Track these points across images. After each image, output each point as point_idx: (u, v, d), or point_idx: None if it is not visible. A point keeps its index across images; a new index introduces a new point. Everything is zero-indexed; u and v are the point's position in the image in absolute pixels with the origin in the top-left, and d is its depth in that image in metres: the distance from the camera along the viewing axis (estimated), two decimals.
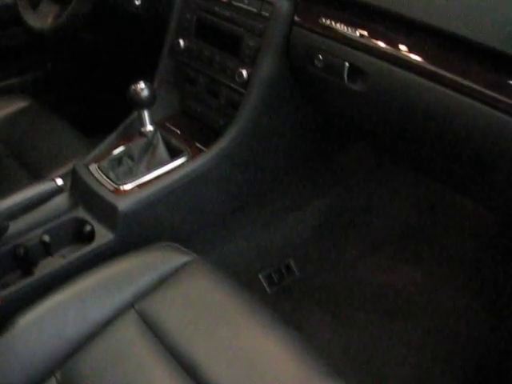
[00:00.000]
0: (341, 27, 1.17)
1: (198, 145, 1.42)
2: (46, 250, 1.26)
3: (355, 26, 1.14)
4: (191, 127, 1.50)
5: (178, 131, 1.48)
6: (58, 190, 1.26)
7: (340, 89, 1.21)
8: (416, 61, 1.05)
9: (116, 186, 1.30)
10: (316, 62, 1.21)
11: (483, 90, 0.94)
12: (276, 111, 1.36)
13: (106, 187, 1.31)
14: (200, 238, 1.42)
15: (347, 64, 1.16)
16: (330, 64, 1.19)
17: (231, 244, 1.53)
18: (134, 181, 1.31)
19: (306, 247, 1.67)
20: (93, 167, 1.37)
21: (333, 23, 1.18)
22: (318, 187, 1.66)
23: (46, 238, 1.26)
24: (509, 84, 0.92)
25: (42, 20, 1.62)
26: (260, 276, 1.60)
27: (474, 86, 0.95)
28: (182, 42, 1.47)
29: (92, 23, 1.56)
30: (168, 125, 1.51)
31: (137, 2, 1.60)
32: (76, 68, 2.10)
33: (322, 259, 1.69)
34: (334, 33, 1.17)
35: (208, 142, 1.41)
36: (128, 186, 1.30)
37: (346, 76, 1.17)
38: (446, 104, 1.01)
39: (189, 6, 1.45)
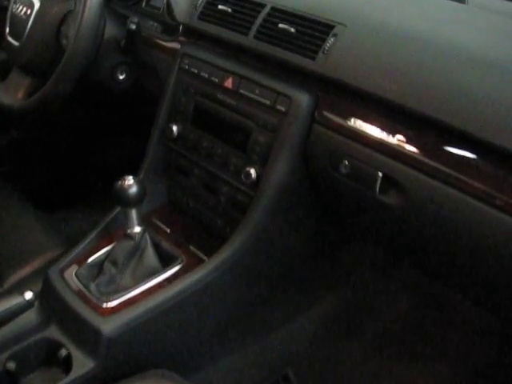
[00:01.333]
0: (373, 130, 1.00)
1: (193, 249, 1.23)
2: (11, 380, 1.05)
3: (391, 130, 0.98)
4: (183, 225, 1.31)
5: (168, 230, 1.29)
6: (27, 306, 1.05)
7: (368, 200, 1.04)
8: (462, 177, 0.89)
9: (98, 302, 1.09)
10: (341, 167, 1.05)
11: None
12: (287, 216, 1.19)
13: (85, 303, 1.09)
14: (196, 357, 1.21)
15: (380, 174, 0.99)
16: (359, 172, 1.03)
17: (227, 358, 1.33)
18: (119, 297, 1.10)
19: (305, 356, 1.48)
20: (68, 274, 1.16)
21: (363, 124, 1.02)
22: (318, 292, 1.48)
23: (11, 365, 1.05)
24: None
25: (10, 94, 1.41)
26: None
27: None
28: (175, 128, 1.29)
29: (68, 102, 1.35)
30: (155, 221, 1.32)
31: (120, 77, 1.42)
32: (44, 139, 1.88)
33: (322, 368, 1.51)
34: (365, 136, 1.01)
35: (204, 245, 1.23)
36: (113, 303, 1.10)
37: (378, 188, 0.99)
38: (488, 222, 0.88)
39: (185, 88, 1.27)
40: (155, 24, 1.43)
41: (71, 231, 1.61)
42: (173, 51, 1.35)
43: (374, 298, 1.63)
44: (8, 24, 1.41)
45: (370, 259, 1.56)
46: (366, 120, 1.02)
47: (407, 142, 0.97)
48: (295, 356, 1.49)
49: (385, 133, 1.00)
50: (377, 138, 1.00)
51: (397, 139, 0.98)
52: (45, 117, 1.68)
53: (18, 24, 1.37)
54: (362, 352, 1.59)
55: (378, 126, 1.00)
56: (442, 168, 0.92)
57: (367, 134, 1.01)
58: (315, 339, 1.52)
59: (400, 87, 0.98)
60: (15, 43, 1.38)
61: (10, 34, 1.40)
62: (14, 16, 1.38)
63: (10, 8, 1.41)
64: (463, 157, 0.91)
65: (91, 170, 1.94)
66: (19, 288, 1.22)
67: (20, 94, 1.39)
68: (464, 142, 0.89)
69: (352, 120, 1.04)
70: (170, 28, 1.40)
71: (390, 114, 0.99)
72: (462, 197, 0.90)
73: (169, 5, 1.43)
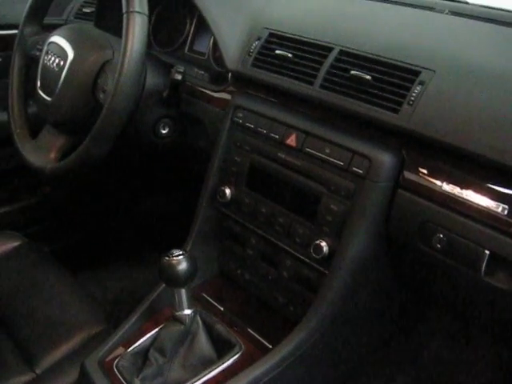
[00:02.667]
0: (475, 197, 0.81)
1: (252, 332, 1.05)
2: None
3: (499, 197, 0.79)
4: (238, 302, 1.14)
5: (221, 308, 1.10)
6: None
7: (470, 281, 0.85)
8: None
9: None
10: (434, 241, 0.86)
11: None
12: (365, 295, 0.99)
13: None
14: None
15: (487, 252, 0.79)
16: (458, 248, 0.84)
17: None
18: None
19: None
20: (109, 366, 1.00)
21: (462, 190, 0.83)
22: (390, 374, 1.27)
23: None
24: None
25: (42, 155, 1.26)
26: None
27: None
28: (228, 191, 1.11)
29: (105, 161, 1.19)
30: (206, 296, 1.15)
31: (163, 132, 1.26)
32: (79, 196, 1.74)
33: None
34: (465, 204, 0.83)
35: (265, 328, 1.05)
36: None
37: (483, 268, 0.80)
38: None
39: (239, 146, 1.10)
40: (200, 71, 1.27)
41: (111, 297, 1.45)
42: (222, 102, 1.19)
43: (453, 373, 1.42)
44: (39, 77, 1.27)
45: (448, 332, 1.35)
46: (464, 185, 0.84)
47: None
48: None
49: (491, 201, 0.81)
50: (480, 206, 0.81)
51: (507, 209, 0.79)
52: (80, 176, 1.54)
53: (50, 77, 1.22)
54: None
55: (481, 193, 0.82)
56: None
57: (467, 201, 0.83)
58: None
59: (508, 145, 0.79)
60: (47, 99, 1.23)
61: (42, 88, 1.26)
62: (46, 68, 1.24)
63: (41, 60, 1.26)
64: None
65: (131, 228, 1.78)
66: (54, 375, 1.11)
67: (52, 155, 1.24)
68: None
69: (447, 184, 0.85)
70: (218, 76, 1.24)
71: (497, 178, 0.81)
72: None
73: (215, 50, 1.27)
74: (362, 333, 1.08)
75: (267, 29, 1.14)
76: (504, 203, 0.80)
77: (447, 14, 1.15)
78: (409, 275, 1.02)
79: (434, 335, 1.34)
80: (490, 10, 1.17)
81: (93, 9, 1.59)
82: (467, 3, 1.37)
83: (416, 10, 1.18)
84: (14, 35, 1.44)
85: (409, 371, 1.35)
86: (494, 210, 0.81)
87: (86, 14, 1.67)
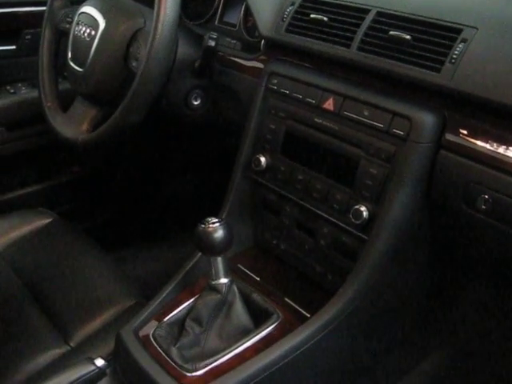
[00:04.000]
0: None
1: (289, 302, 1.03)
2: None
3: None
4: (274, 272, 1.12)
5: (258, 278, 1.09)
6: (100, 375, 0.92)
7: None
8: None
9: (182, 370, 0.91)
10: (478, 202, 0.84)
11: None
12: (405, 262, 0.97)
13: (167, 372, 0.91)
14: None
15: None
16: (504, 208, 0.82)
17: None
18: (207, 364, 0.91)
19: None
20: (145, 336, 0.98)
21: (507, 148, 0.79)
22: (432, 342, 1.24)
23: None
24: None
25: (74, 127, 1.26)
26: None
27: None
28: (263, 160, 1.10)
29: (137, 133, 1.18)
30: (242, 267, 1.13)
31: (195, 103, 1.24)
32: (110, 174, 1.73)
33: None
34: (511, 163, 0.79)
35: (303, 297, 1.04)
36: (199, 372, 0.91)
37: None
38: None
39: (274, 113, 1.08)
40: (233, 41, 1.25)
41: (143, 274, 1.44)
42: (256, 71, 1.17)
43: (492, 346, 1.39)
44: (70, 49, 1.26)
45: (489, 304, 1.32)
46: (509, 143, 0.80)
47: None
48: None
49: None
50: None
51: None
52: (111, 150, 1.53)
53: (81, 48, 1.21)
54: None
55: None
56: None
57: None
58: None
59: None
60: (79, 70, 1.22)
61: (73, 59, 1.24)
62: (77, 39, 1.23)
63: (71, 31, 1.26)
64: None
65: (162, 206, 1.77)
66: (89, 347, 1.09)
67: (84, 126, 1.23)
68: None
69: (491, 144, 0.83)
70: (250, 46, 1.22)
71: None
72: None
73: (247, 20, 1.25)
74: (402, 301, 1.05)
75: None
76: None
77: None
78: (451, 243, 0.99)
79: (474, 308, 1.31)
80: None
81: None
82: None
83: None
84: (42, 12, 1.43)
85: (446, 346, 1.33)
86: None
87: None
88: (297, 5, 1.11)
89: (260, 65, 1.18)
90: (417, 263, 1.02)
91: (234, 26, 1.33)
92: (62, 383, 0.88)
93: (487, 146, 0.83)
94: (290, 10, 1.11)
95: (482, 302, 1.32)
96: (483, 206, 0.84)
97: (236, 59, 1.23)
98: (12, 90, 1.70)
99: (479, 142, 0.84)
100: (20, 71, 1.70)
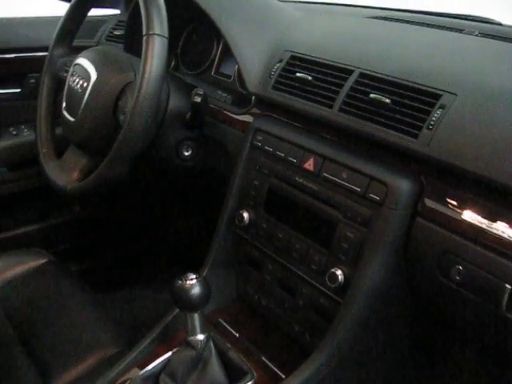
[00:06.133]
0: (498, 228, 0.77)
1: (266, 360, 1.02)
2: None
3: None
4: (253, 328, 1.11)
5: (237, 333, 1.08)
6: None
7: (489, 315, 0.81)
8: None
9: None
10: (452, 273, 0.83)
11: None
12: (381, 327, 0.96)
13: None
14: None
15: (510, 287, 0.75)
16: (478, 281, 0.80)
17: None
18: None
19: None
20: None
21: (483, 220, 0.79)
22: None
23: None
24: None
25: (65, 175, 1.27)
26: None
27: None
28: (246, 215, 1.09)
29: (128, 182, 1.19)
30: (223, 322, 1.13)
31: (185, 154, 1.25)
32: (107, 215, 1.75)
33: None
34: (486, 235, 0.78)
35: (280, 357, 1.02)
36: None
37: (505, 303, 0.76)
38: None
39: (258, 169, 1.08)
40: (224, 94, 1.26)
41: (131, 318, 1.48)
42: (244, 125, 1.18)
43: None
44: (65, 98, 1.28)
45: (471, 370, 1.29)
46: (487, 214, 0.79)
47: None
48: None
49: None
50: (503, 238, 0.77)
51: None
52: (104, 197, 1.55)
53: (74, 98, 1.23)
54: None
55: (504, 224, 0.78)
56: None
57: (489, 232, 0.79)
58: None
59: None
60: (71, 119, 1.24)
61: (66, 109, 1.27)
62: (71, 90, 1.25)
63: (67, 81, 1.28)
64: None
65: (151, 251, 1.78)
66: None
67: (75, 175, 1.24)
68: None
69: (468, 213, 0.82)
70: (242, 99, 1.23)
71: None
72: None
73: (241, 73, 1.27)
74: (377, 366, 1.03)
75: (289, 51, 1.13)
76: None
77: (477, 35, 1.12)
78: (428, 308, 0.97)
79: (457, 372, 1.29)
80: None
81: (123, 31, 1.61)
82: (500, 24, 1.34)
83: (444, 31, 1.15)
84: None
85: None
86: None
87: (117, 36, 1.69)
88: (284, 62, 1.12)
89: (250, 118, 1.19)
90: (395, 331, 1.00)
91: (229, 77, 1.34)
92: None
93: (464, 215, 0.82)
94: (278, 68, 1.12)
95: (469, 363, 1.29)
96: (457, 277, 0.83)
97: (226, 112, 1.24)
98: (14, 132, 1.74)
99: (456, 211, 0.83)
100: (23, 113, 1.75)
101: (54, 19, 1.56)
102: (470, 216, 0.82)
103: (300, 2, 1.67)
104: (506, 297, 0.77)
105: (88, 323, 1.29)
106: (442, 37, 1.11)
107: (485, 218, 0.80)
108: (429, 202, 0.86)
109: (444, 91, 0.87)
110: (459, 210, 0.83)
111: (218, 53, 1.38)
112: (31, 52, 1.73)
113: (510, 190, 0.77)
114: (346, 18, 1.32)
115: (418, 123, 0.88)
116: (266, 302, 1.13)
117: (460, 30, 1.15)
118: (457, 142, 0.84)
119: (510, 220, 0.77)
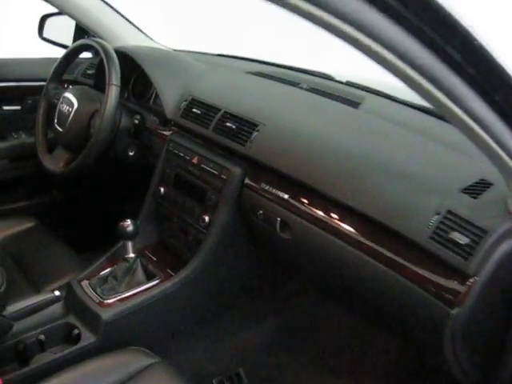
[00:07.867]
0: (275, 191, 1.59)
1: (169, 271, 1.80)
2: (41, 347, 1.51)
3: (286, 191, 1.57)
4: (165, 256, 1.89)
5: (155, 258, 1.87)
6: (55, 300, 1.65)
7: (274, 235, 1.62)
8: (329, 223, 1.46)
9: (101, 299, 1.67)
10: (258, 214, 1.64)
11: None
12: (231, 247, 1.76)
13: (93, 300, 1.67)
14: (167, 345, 1.76)
15: (279, 219, 1.58)
16: (267, 217, 1.61)
17: (192, 351, 1.86)
18: (115, 296, 1.69)
19: (256, 359, 1.96)
20: (84, 283, 1.74)
21: (270, 188, 1.61)
22: (270, 309, 2.01)
23: (42, 337, 1.52)
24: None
25: (55, 163, 2.05)
26: (214, 381, 1.82)
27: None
28: (162, 189, 1.90)
29: (94, 170, 2.00)
30: (147, 253, 1.90)
31: (130, 153, 2.06)
32: (77, 197, 2.54)
33: (269, 370, 1.96)
34: (271, 195, 1.60)
35: (177, 269, 1.79)
36: (111, 300, 1.67)
37: (278, 227, 1.59)
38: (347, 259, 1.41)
39: (170, 163, 1.90)
40: (154, 118, 2.08)
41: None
42: (164, 138, 1.98)
43: (317, 318, 2.11)
44: (56, 117, 2.05)
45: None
46: (273, 186, 1.61)
47: (295, 200, 1.56)
48: (248, 358, 1.98)
49: (284, 194, 1.59)
50: (279, 196, 1.60)
51: (287, 197, 1.57)
52: (78, 180, 2.34)
53: (62, 117, 2.01)
54: (304, 361, 2.03)
55: (278, 190, 1.60)
56: (315, 215, 1.48)
57: (272, 193, 1.60)
58: (267, 346, 2.01)
59: (298, 165, 1.56)
60: (60, 130, 2.02)
61: (57, 123, 2.03)
62: (60, 112, 2.03)
63: (58, 106, 2.08)
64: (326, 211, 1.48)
65: (109, 219, 2.54)
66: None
67: (61, 164, 2.02)
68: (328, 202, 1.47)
69: (264, 185, 1.63)
70: (165, 122, 2.05)
71: (289, 183, 1.58)
72: (324, 234, 1.47)
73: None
74: (233, 274, 1.82)
75: (191, 95, 1.95)
76: (286, 194, 1.59)
77: (306, 89, 1.92)
78: (255, 237, 1.79)
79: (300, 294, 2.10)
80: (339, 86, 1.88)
81: (94, 71, 2.42)
82: (332, 79, 2.05)
83: (283, 85, 1.95)
84: (40, 86, 2.22)
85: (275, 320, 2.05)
86: (281, 197, 1.60)
87: (89, 74, 2.47)
88: (188, 101, 1.94)
89: (168, 133, 2.01)
90: (239, 250, 1.82)
91: (161, 106, 2.15)
92: (29, 303, 1.57)
93: (264, 186, 1.65)
94: (184, 105, 1.94)
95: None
96: (261, 217, 1.65)
97: (156, 130, 2.05)
98: (15, 136, 2.42)
99: (260, 185, 1.66)
100: (22, 124, 2.39)
101: (44, 60, 2.35)
102: (265, 186, 1.64)
103: (193, 53, 2.36)
104: (278, 224, 1.59)
105: (65, 261, 2.00)
106: (279, 88, 1.93)
107: (272, 187, 1.63)
108: (248, 180, 1.68)
109: (259, 122, 1.70)
110: (263, 185, 1.66)
111: (155, 91, 2.20)
112: (27, 82, 2.39)
113: (288, 176, 1.58)
114: (231, 72, 2.15)
115: (246, 138, 1.70)
116: (173, 241, 1.93)
117: (296, 84, 1.98)
118: (265, 149, 1.67)
119: (280, 186, 1.58)
